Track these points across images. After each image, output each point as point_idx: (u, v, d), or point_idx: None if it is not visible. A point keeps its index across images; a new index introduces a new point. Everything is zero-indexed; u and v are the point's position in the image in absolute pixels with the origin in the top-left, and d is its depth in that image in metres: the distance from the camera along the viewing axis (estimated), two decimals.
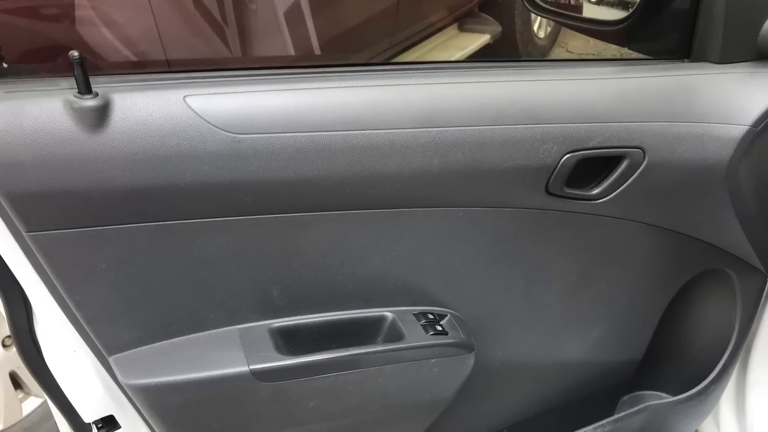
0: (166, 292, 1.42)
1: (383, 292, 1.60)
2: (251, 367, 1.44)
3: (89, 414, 1.59)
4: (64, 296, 1.36)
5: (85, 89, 1.21)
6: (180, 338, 1.47)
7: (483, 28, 4.79)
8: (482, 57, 4.56)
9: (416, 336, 1.58)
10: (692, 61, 1.62)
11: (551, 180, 1.50)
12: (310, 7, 3.04)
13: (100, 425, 1.61)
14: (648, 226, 1.67)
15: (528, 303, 1.76)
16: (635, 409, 1.99)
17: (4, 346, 2.64)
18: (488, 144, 1.43)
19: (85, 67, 1.20)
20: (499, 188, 1.50)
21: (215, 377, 1.43)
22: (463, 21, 4.73)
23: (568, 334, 1.87)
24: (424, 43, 4.26)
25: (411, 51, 4.07)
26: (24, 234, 1.26)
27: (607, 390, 2.09)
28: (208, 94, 1.31)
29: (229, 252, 1.42)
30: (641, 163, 1.53)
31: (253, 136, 1.30)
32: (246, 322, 1.52)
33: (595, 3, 1.90)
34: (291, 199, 1.38)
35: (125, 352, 1.44)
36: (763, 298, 1.90)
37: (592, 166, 1.54)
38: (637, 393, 2.12)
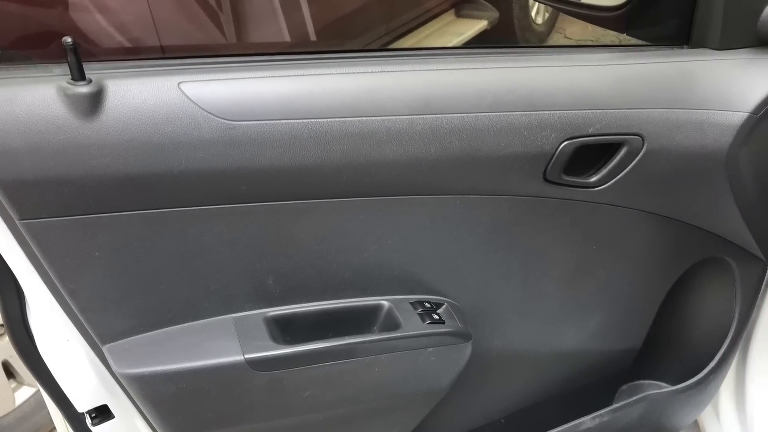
0: (160, 281, 1.41)
1: (379, 280, 1.59)
2: (246, 356, 1.43)
3: (82, 403, 1.58)
4: (58, 285, 1.35)
5: (79, 76, 1.20)
6: (174, 327, 1.46)
7: (480, 14, 4.78)
8: (479, 43, 4.56)
9: (413, 325, 1.57)
10: (691, 48, 1.61)
11: (549, 167, 1.50)
12: None
13: (93, 415, 1.60)
14: (647, 213, 1.66)
15: (526, 291, 1.75)
16: (634, 398, 1.99)
17: None
18: (486, 131, 1.42)
19: (78, 54, 1.19)
20: (496, 176, 1.49)
21: (210, 366, 1.43)
22: (460, 7, 4.72)
23: (567, 322, 1.87)
24: (420, 29, 4.26)
25: (407, 37, 4.06)
26: (17, 222, 1.26)
27: (606, 379, 2.08)
28: (203, 80, 1.30)
29: (223, 240, 1.41)
30: (640, 150, 1.52)
31: (248, 122, 1.29)
32: (241, 311, 1.51)
33: None
34: (286, 187, 1.37)
35: (119, 341, 1.43)
36: (763, 287, 1.90)
37: (591, 154, 1.53)
38: (636, 382, 2.12)
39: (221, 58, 1.42)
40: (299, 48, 3.13)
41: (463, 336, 1.64)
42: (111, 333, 1.43)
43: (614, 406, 1.98)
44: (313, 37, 3.12)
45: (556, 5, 2.06)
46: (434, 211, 1.53)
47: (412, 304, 1.62)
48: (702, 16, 1.57)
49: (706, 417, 2.40)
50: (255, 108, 1.30)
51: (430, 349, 1.60)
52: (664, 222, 1.70)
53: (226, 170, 1.30)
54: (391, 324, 1.58)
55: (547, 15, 5.47)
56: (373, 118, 1.36)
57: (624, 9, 1.69)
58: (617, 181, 1.55)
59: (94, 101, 1.21)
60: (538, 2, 5.35)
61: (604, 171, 1.54)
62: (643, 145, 1.51)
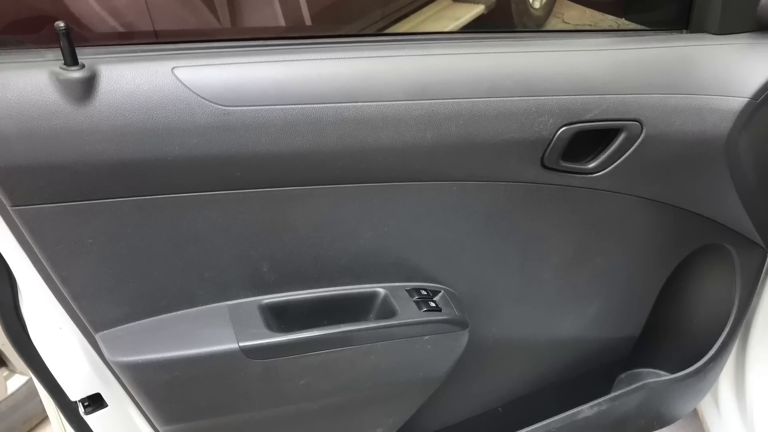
0: (153, 268, 1.40)
1: (375, 267, 1.58)
2: (241, 344, 1.42)
3: (75, 392, 1.58)
4: (50, 272, 1.34)
5: (72, 61, 1.19)
6: (168, 315, 1.46)
7: None
8: (476, 28, 4.54)
9: (409, 312, 1.56)
10: (691, 32, 1.60)
11: (547, 153, 1.49)
12: None
13: (86, 403, 1.60)
14: (646, 200, 1.66)
15: (523, 279, 1.75)
16: (632, 387, 1.98)
17: None
18: (483, 117, 1.42)
19: (71, 38, 1.18)
20: (493, 162, 1.48)
21: (204, 354, 1.42)
22: None
23: (564, 310, 1.87)
24: (417, 13, 4.24)
25: (404, 21, 4.04)
26: (9, 208, 1.25)
27: (604, 367, 2.08)
28: (197, 65, 1.29)
29: (218, 227, 1.40)
30: (639, 136, 1.51)
31: (242, 108, 1.28)
32: (235, 299, 1.50)
33: None
34: (281, 173, 1.36)
35: (112, 329, 1.42)
36: (762, 274, 1.90)
37: (589, 139, 1.52)
38: (635, 370, 2.12)
39: (216, 43, 1.42)
40: (294, 33, 3.12)
41: (459, 324, 1.63)
42: (104, 321, 1.42)
43: (613, 394, 1.98)
44: (308, 21, 3.11)
45: None
46: (431, 197, 1.52)
47: (408, 291, 1.61)
48: (701, 0, 1.56)
49: (705, 405, 2.40)
50: (250, 93, 1.29)
51: (426, 337, 1.59)
52: (662, 208, 1.69)
53: (221, 156, 1.29)
54: (387, 312, 1.57)
55: None
56: (368, 103, 1.35)
57: None
58: (616, 167, 1.54)
59: (87, 86, 1.20)
60: None
61: (602, 157, 1.53)
62: (641, 130, 1.51)
